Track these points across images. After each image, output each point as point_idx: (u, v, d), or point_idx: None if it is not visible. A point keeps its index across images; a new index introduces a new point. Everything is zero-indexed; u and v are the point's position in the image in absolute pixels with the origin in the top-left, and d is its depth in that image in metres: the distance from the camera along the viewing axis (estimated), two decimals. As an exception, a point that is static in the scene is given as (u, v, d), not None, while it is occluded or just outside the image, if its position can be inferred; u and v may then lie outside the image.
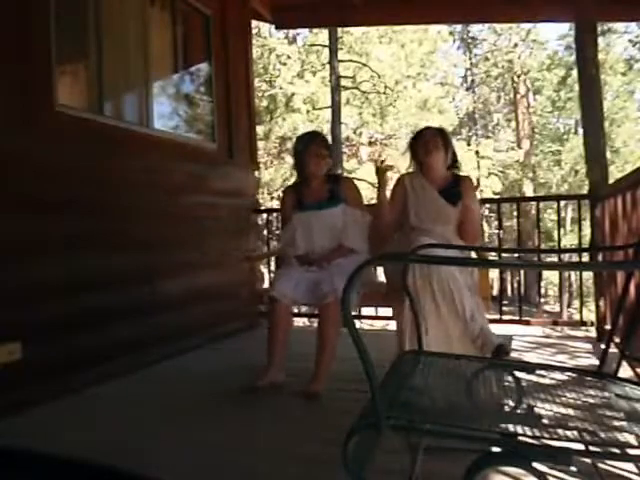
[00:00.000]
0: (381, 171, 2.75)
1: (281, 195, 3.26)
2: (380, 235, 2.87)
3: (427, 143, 2.78)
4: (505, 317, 4.33)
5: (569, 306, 12.92)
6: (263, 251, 4.67)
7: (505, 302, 9.05)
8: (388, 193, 2.89)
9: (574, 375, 1.58)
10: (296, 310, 4.24)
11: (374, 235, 2.92)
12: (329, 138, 13.01)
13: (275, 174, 15.59)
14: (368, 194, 13.63)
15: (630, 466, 1.66)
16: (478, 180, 16.09)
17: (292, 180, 3.39)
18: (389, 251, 2.69)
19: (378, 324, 6.43)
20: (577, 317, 4.72)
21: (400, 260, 1.94)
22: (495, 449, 1.14)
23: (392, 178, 2.95)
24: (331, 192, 2.94)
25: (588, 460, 1.47)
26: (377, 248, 2.87)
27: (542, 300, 12.96)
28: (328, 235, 2.89)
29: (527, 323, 4.24)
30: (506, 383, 1.54)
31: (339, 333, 2.57)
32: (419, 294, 2.32)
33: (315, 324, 2.93)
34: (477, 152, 17.07)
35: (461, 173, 2.92)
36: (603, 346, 1.69)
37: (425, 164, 2.81)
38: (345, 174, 12.23)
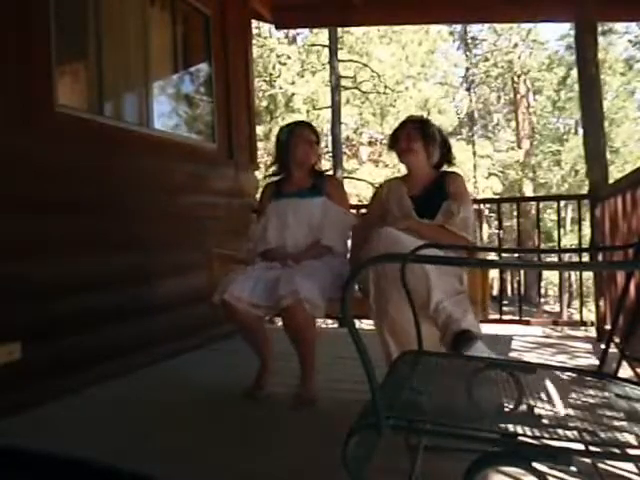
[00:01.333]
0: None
1: (261, 190, 2.97)
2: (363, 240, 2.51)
3: (400, 144, 2.52)
4: (505, 317, 4.33)
5: (569, 306, 12.92)
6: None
7: (505, 302, 9.05)
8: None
9: (574, 375, 1.58)
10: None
11: (356, 240, 2.64)
12: (329, 138, 13.07)
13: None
14: (368, 194, 13.66)
15: (630, 466, 1.66)
16: (475, 184, 16.10)
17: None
18: (367, 249, 2.28)
19: (378, 324, 6.42)
20: (577, 317, 4.73)
21: (400, 260, 1.93)
22: (495, 449, 1.14)
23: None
24: (314, 185, 2.66)
25: (588, 460, 1.47)
26: (356, 253, 2.58)
27: (542, 300, 12.96)
28: (304, 229, 2.58)
29: (527, 323, 4.24)
30: (506, 383, 1.54)
31: (311, 333, 2.37)
32: (387, 293, 2.12)
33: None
34: (477, 152, 17.07)
35: (450, 169, 2.58)
36: (603, 346, 1.69)
37: (404, 162, 2.55)
38: (345, 174, 12.22)
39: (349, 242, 2.72)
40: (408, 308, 1.81)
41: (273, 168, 2.80)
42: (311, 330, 2.37)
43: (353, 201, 13.55)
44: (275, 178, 2.81)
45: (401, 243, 2.03)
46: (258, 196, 3.35)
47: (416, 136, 2.48)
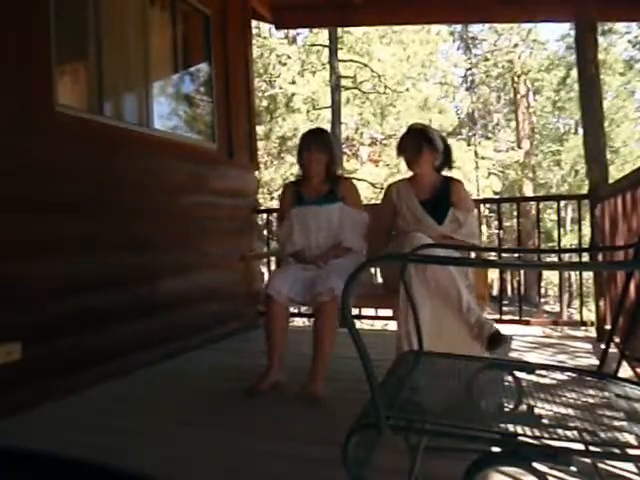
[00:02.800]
0: None
1: (281, 190, 3.25)
2: (377, 237, 2.84)
3: (406, 153, 2.72)
4: (505, 317, 4.33)
5: (569, 306, 12.92)
6: (262, 251, 4.66)
7: (505, 302, 9.05)
8: None
9: (574, 375, 1.58)
10: (295, 310, 4.25)
11: (373, 235, 2.90)
12: (329, 138, 13.03)
13: (275, 174, 15.59)
14: (368, 194, 13.66)
15: (630, 466, 1.66)
16: (478, 185, 16.10)
17: (292, 178, 3.38)
18: (387, 251, 2.64)
19: (378, 324, 6.44)
20: (577, 317, 4.72)
21: (400, 260, 1.93)
22: (495, 449, 1.14)
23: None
24: (330, 190, 2.93)
25: (588, 460, 1.47)
26: (375, 249, 2.84)
27: (542, 300, 12.96)
28: (325, 232, 2.87)
29: (527, 323, 4.24)
30: (506, 383, 1.54)
31: (336, 333, 2.55)
32: (414, 290, 2.27)
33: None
34: (477, 152, 17.08)
35: (449, 174, 2.80)
36: (603, 346, 1.69)
37: (410, 169, 2.76)
38: (345, 174, 12.22)
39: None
40: (436, 305, 2.07)
41: (298, 170, 3.11)
42: (336, 324, 2.57)
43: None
44: (294, 179, 3.14)
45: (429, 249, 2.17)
46: (260, 196, 3.47)
47: (421, 146, 2.67)
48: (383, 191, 2.94)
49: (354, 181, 3.37)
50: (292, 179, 3.21)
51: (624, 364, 1.68)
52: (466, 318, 2.32)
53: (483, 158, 17.02)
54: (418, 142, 2.67)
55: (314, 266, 2.77)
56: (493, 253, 6.73)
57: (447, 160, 2.76)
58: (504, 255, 6.16)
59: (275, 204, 12.95)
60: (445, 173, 2.80)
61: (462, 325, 2.33)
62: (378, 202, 3.01)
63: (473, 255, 2.80)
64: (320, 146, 2.91)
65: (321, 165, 2.91)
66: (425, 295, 2.32)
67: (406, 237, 2.45)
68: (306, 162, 2.92)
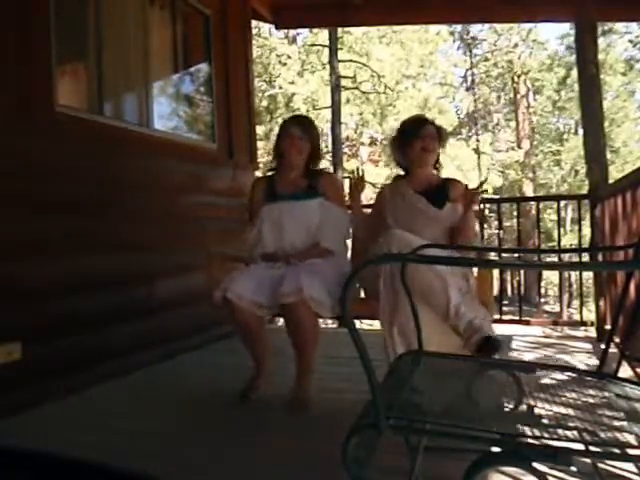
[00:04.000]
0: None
1: (251, 185, 2.82)
2: (364, 239, 2.58)
3: (425, 142, 2.52)
4: (505, 317, 4.34)
5: (569, 306, 12.92)
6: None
7: (505, 302, 9.05)
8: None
9: (574, 375, 1.58)
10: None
11: (358, 238, 2.67)
12: (329, 138, 13.07)
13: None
14: (368, 194, 13.65)
15: (630, 466, 1.66)
16: (482, 182, 16.07)
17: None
18: (373, 253, 2.33)
19: (378, 324, 6.42)
20: (577, 317, 4.72)
21: (400, 260, 1.93)
22: (495, 449, 1.14)
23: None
24: (310, 185, 2.58)
25: (588, 460, 1.47)
26: (360, 252, 2.60)
27: (542, 300, 12.95)
28: (301, 231, 2.50)
29: (527, 323, 4.24)
30: (506, 383, 1.54)
31: (314, 333, 2.33)
32: (397, 294, 2.13)
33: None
34: (477, 151, 17.08)
35: (448, 177, 2.70)
36: (603, 346, 1.69)
37: (418, 161, 2.56)
38: (345, 174, 12.21)
39: (349, 241, 2.71)
40: (420, 309, 1.85)
41: (271, 162, 2.75)
42: (313, 330, 2.32)
43: (353, 201, 13.52)
44: (269, 173, 2.73)
45: (413, 245, 2.02)
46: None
47: (436, 138, 2.55)
48: (376, 195, 2.77)
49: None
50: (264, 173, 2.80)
51: (624, 364, 1.68)
52: (454, 323, 2.11)
53: (483, 158, 17.01)
54: (433, 131, 2.55)
55: (283, 263, 2.41)
56: (493, 253, 6.72)
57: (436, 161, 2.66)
58: (504, 255, 6.15)
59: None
60: (447, 173, 2.76)
61: (451, 331, 2.14)
62: (365, 209, 2.82)
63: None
64: (305, 134, 2.56)
65: (303, 155, 2.56)
66: (407, 300, 2.13)
67: (386, 234, 2.22)
68: (286, 150, 2.55)
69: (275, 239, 2.53)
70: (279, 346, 2.58)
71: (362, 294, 2.51)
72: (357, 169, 2.62)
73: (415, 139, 2.53)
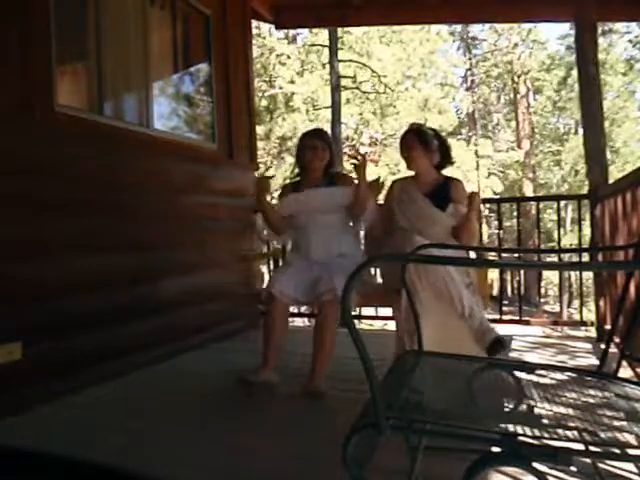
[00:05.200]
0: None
1: (280, 191, 3.16)
2: (376, 235, 2.89)
3: (402, 151, 2.80)
4: (505, 317, 4.33)
5: (569, 306, 12.92)
6: (263, 251, 4.66)
7: (505, 302, 9.04)
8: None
9: (574, 375, 1.58)
10: (295, 310, 4.25)
11: (373, 234, 2.94)
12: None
13: (275, 174, 15.59)
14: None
15: (630, 466, 1.66)
16: (478, 182, 16.10)
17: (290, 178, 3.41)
18: (385, 252, 2.67)
19: (378, 324, 6.44)
20: (577, 317, 4.72)
21: (400, 260, 1.93)
22: (495, 449, 1.14)
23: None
24: (329, 183, 2.93)
25: (588, 460, 1.47)
26: (373, 247, 2.88)
27: (542, 300, 12.96)
28: (331, 210, 2.84)
29: (527, 323, 4.24)
30: (506, 383, 1.54)
31: (336, 332, 2.57)
32: (416, 293, 2.29)
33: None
34: (477, 152, 17.08)
35: (450, 175, 2.86)
36: (603, 346, 1.69)
37: (409, 168, 2.83)
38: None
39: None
40: (436, 308, 2.08)
41: (296, 170, 3.13)
42: (337, 325, 2.59)
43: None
44: (294, 180, 3.13)
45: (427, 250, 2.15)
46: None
47: (414, 145, 2.75)
48: (388, 188, 2.98)
49: (355, 181, 3.34)
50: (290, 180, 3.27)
51: (624, 364, 1.68)
52: (469, 324, 2.33)
53: (483, 158, 17.02)
54: (410, 141, 2.76)
55: (316, 259, 2.76)
56: (493, 253, 6.72)
57: (446, 157, 2.82)
58: (504, 255, 6.15)
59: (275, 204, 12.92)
60: (447, 173, 2.87)
61: (463, 330, 2.35)
62: (380, 202, 3.02)
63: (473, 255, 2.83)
64: (326, 144, 2.94)
65: (324, 162, 2.93)
66: (431, 299, 2.33)
67: (405, 237, 2.48)
68: (310, 161, 2.91)
69: (304, 217, 2.87)
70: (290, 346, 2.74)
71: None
72: (378, 178, 3.04)
73: (401, 153, 2.83)
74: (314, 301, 2.68)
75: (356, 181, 2.82)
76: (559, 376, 1.60)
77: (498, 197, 14.39)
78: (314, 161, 2.91)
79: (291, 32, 15.83)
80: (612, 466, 1.64)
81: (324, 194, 2.87)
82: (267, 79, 15.35)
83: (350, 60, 14.74)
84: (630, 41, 17.07)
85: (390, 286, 2.58)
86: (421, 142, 2.74)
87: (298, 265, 2.82)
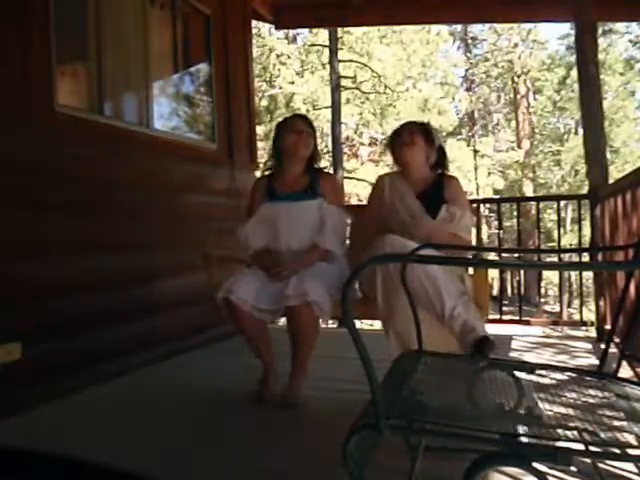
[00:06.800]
0: None
1: (252, 185, 2.82)
2: (363, 238, 2.49)
3: (402, 138, 2.54)
4: (505, 317, 4.33)
5: (569, 306, 12.92)
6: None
7: (505, 302, 9.05)
8: None
9: (574, 375, 1.58)
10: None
11: (355, 238, 2.70)
12: (329, 138, 13.06)
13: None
14: (365, 193, 13.65)
15: (630, 466, 1.66)
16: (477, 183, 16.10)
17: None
18: (372, 254, 2.27)
19: (378, 324, 6.43)
20: (577, 317, 4.72)
21: (400, 260, 1.93)
22: (495, 449, 1.14)
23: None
24: (309, 185, 2.56)
25: (588, 460, 1.47)
26: (358, 252, 2.47)
27: (542, 300, 12.96)
28: (298, 233, 2.48)
29: (527, 323, 4.24)
30: (506, 383, 1.54)
31: (312, 338, 2.36)
32: (393, 293, 2.13)
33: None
34: (477, 152, 17.08)
35: (447, 173, 2.64)
36: (603, 346, 1.69)
37: (401, 161, 2.58)
38: (345, 174, 12.21)
39: (347, 242, 2.72)
40: (418, 311, 1.84)
41: (268, 162, 2.72)
42: (313, 331, 2.36)
43: (353, 201, 13.54)
44: (267, 172, 2.72)
45: (408, 249, 2.01)
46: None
47: (418, 133, 2.54)
48: (374, 183, 2.72)
49: (352, 181, 3.25)
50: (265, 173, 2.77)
51: (624, 364, 1.68)
52: (450, 325, 2.11)
53: (483, 158, 17.02)
54: (414, 128, 2.56)
55: (274, 275, 2.37)
56: (493, 253, 6.72)
57: (442, 161, 2.61)
58: (504, 255, 6.15)
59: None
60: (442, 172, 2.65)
61: (446, 333, 2.13)
62: (361, 203, 2.88)
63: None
64: (310, 129, 2.57)
65: (309, 149, 2.56)
66: (406, 302, 2.01)
67: (381, 239, 2.20)
68: (292, 145, 2.53)
69: (269, 239, 2.53)
70: (282, 346, 2.59)
71: (359, 294, 2.49)
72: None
73: (396, 136, 2.59)
74: (279, 308, 2.31)
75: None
76: (559, 376, 1.60)
77: (498, 197, 14.39)
78: (298, 147, 2.53)
79: (291, 32, 15.83)
80: (612, 466, 1.64)
81: (297, 214, 2.50)
82: (267, 79, 15.35)
83: (350, 60, 14.73)
84: (630, 41, 17.08)
85: (369, 295, 2.33)
86: (425, 135, 2.54)
87: (258, 271, 2.47)
